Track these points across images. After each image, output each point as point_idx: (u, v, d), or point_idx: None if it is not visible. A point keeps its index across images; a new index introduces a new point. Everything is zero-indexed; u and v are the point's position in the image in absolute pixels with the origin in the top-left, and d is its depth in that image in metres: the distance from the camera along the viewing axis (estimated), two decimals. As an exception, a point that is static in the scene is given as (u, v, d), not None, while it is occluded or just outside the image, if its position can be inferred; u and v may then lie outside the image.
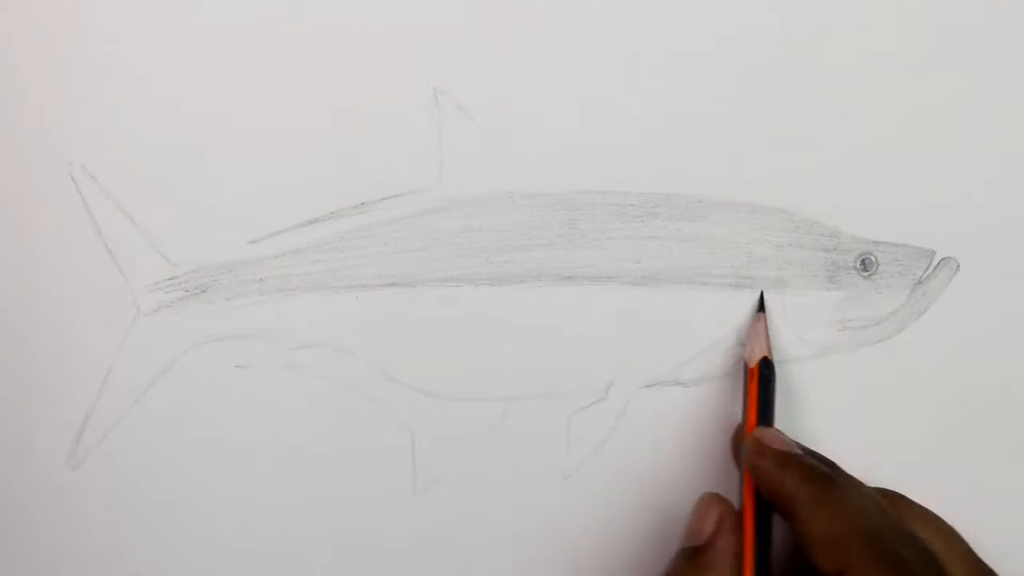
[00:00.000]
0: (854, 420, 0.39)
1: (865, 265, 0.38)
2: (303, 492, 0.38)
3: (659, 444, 0.39)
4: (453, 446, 0.38)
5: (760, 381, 0.36)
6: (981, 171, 0.39)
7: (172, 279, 0.38)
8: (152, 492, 0.38)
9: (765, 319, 0.37)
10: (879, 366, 0.38)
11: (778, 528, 0.34)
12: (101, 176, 0.37)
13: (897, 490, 0.37)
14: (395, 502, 0.38)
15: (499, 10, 0.38)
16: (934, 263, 0.38)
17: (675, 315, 0.38)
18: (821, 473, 0.32)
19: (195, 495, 0.38)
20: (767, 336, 0.37)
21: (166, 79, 0.37)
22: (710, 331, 0.38)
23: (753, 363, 0.36)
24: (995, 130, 0.39)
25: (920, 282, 0.38)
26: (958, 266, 0.39)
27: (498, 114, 0.38)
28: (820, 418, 0.39)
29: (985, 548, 0.37)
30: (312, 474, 0.38)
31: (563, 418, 0.38)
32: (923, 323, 0.38)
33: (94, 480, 0.37)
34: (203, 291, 0.38)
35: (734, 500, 0.35)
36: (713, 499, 0.35)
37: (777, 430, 0.35)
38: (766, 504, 0.33)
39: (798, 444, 0.35)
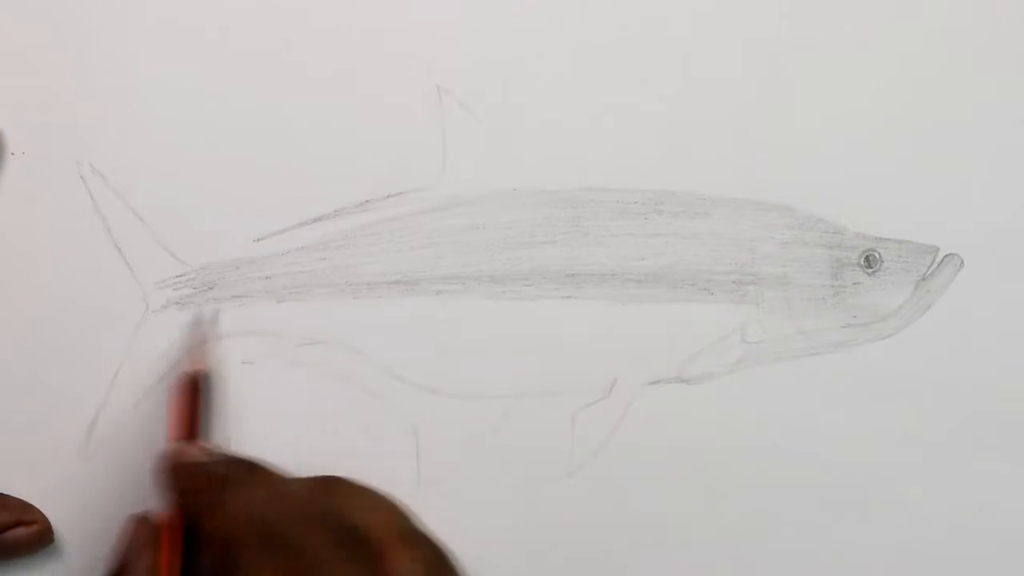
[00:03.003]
0: (857, 417, 0.38)
1: (869, 262, 0.38)
2: (308, 487, 0.38)
3: (663, 441, 0.38)
4: (457, 443, 0.38)
5: (199, 395, 0.36)
6: (984, 168, 0.39)
7: (180, 276, 0.38)
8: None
9: (207, 331, 0.37)
10: (883, 363, 0.38)
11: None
12: (110, 175, 0.38)
13: (899, 487, 0.37)
14: (399, 498, 0.38)
15: (502, 8, 0.38)
16: (938, 259, 0.38)
17: (679, 312, 0.38)
18: (218, 478, 0.33)
19: (202, 490, 0.38)
20: (203, 349, 0.37)
21: (173, 79, 0.38)
22: (714, 328, 0.38)
23: (184, 376, 0.36)
24: (998, 127, 0.38)
25: (924, 279, 0.38)
26: (962, 262, 0.38)
27: (501, 112, 0.38)
28: (822, 415, 0.38)
29: (988, 545, 0.37)
30: (316, 470, 0.38)
31: (567, 416, 0.38)
32: (927, 320, 0.38)
33: (106, 473, 0.38)
34: (211, 288, 0.38)
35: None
36: (135, 519, 0.34)
37: (197, 443, 0.35)
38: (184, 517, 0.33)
39: (219, 452, 0.35)
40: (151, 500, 0.35)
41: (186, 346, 0.37)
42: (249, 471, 0.34)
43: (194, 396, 0.36)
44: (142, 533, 0.33)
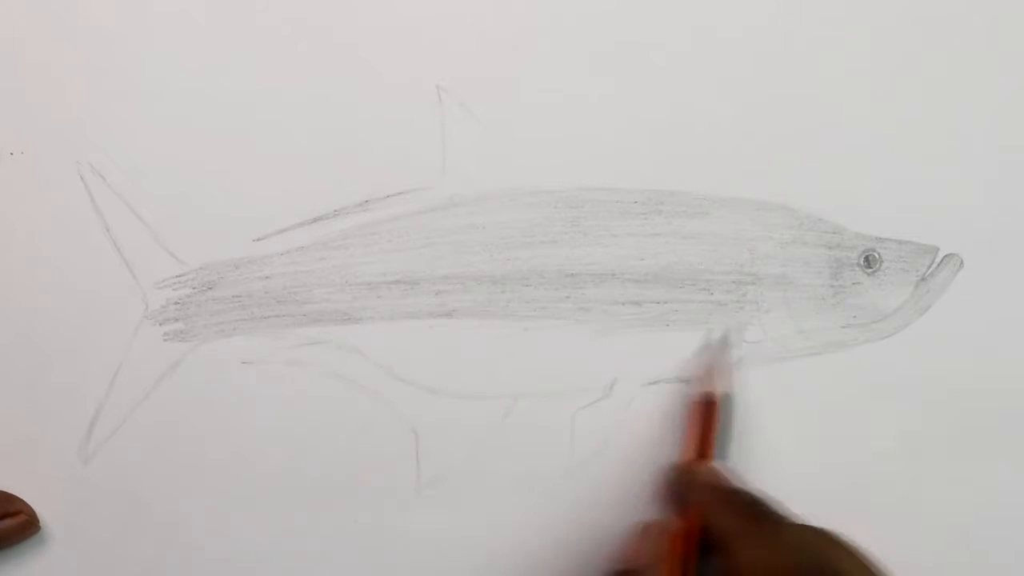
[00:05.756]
0: (857, 417, 0.38)
1: (869, 262, 0.38)
2: (308, 488, 0.38)
3: (663, 441, 0.38)
4: (457, 443, 0.38)
5: (715, 416, 0.36)
6: (984, 168, 0.39)
7: (180, 276, 0.38)
8: (160, 485, 0.38)
9: (729, 354, 0.37)
10: (882, 363, 0.38)
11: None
12: (110, 175, 0.38)
13: (899, 487, 0.37)
14: (399, 499, 0.38)
15: (502, 8, 0.38)
16: (937, 260, 0.38)
17: (678, 312, 0.38)
18: (759, 509, 0.33)
19: (202, 489, 0.38)
20: (722, 371, 0.36)
21: (172, 79, 0.38)
22: (714, 328, 0.38)
23: (700, 396, 0.36)
24: (998, 127, 0.39)
25: (923, 279, 0.38)
26: (961, 263, 0.38)
27: (501, 112, 0.38)
28: (823, 415, 0.38)
29: (988, 545, 0.37)
30: (317, 471, 0.38)
31: (567, 415, 0.38)
32: (926, 320, 0.38)
33: (105, 473, 0.38)
34: (210, 288, 0.38)
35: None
36: (651, 527, 0.35)
37: (717, 465, 0.35)
38: (701, 537, 0.33)
39: (737, 480, 0.35)
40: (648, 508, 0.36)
41: (703, 366, 0.37)
42: (760, 503, 0.34)
43: (711, 417, 0.36)
44: (655, 542, 0.34)
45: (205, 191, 0.38)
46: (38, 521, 0.37)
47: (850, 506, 0.39)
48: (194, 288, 0.38)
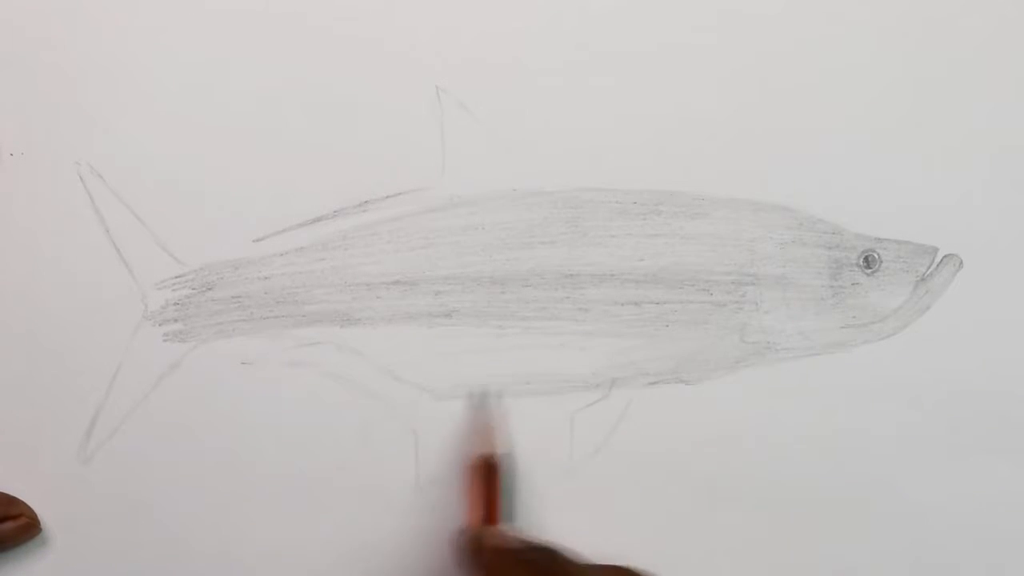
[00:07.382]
0: (856, 417, 0.38)
1: (868, 262, 0.38)
2: (306, 489, 0.38)
3: (663, 442, 0.39)
4: (456, 444, 0.38)
5: (496, 478, 0.36)
6: (983, 168, 0.39)
7: (179, 277, 0.38)
8: (160, 486, 0.38)
9: (493, 413, 0.36)
10: (882, 363, 0.38)
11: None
12: (108, 176, 0.38)
13: (899, 487, 0.37)
14: (398, 499, 0.38)
15: (502, 8, 0.38)
16: (937, 260, 0.38)
17: (678, 312, 0.38)
18: (546, 565, 0.33)
19: (201, 489, 0.38)
20: (494, 430, 0.36)
21: (172, 79, 0.38)
22: (713, 328, 0.38)
23: (480, 459, 0.36)
24: (998, 127, 0.39)
25: (923, 279, 0.38)
26: (961, 263, 0.38)
27: (500, 112, 0.38)
28: (822, 415, 0.38)
29: (988, 545, 0.37)
30: (316, 471, 0.38)
31: (566, 416, 0.38)
32: (926, 320, 0.38)
33: (105, 474, 0.38)
34: (210, 289, 0.38)
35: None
36: None
37: (500, 527, 0.35)
38: None
39: (520, 537, 0.35)
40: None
41: (474, 428, 0.37)
42: (552, 558, 0.34)
43: (492, 479, 0.36)
44: None
45: (205, 191, 0.38)
46: (39, 523, 0.37)
47: (850, 505, 0.39)
48: (193, 289, 0.38)
